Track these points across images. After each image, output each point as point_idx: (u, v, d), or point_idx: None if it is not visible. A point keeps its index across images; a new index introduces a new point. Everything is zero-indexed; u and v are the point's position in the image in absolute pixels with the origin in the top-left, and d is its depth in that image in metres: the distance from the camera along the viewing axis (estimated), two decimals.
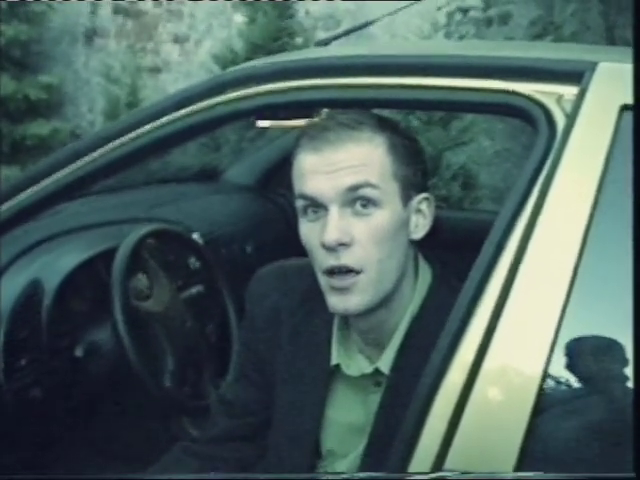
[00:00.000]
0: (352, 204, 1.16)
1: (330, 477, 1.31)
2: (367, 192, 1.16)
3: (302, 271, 1.21)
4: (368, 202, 1.16)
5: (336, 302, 1.19)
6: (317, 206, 1.17)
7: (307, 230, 1.19)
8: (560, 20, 3.17)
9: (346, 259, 1.15)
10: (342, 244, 1.15)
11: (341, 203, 1.15)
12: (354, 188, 1.15)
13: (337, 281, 1.17)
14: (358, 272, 1.16)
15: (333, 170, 1.15)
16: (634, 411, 0.92)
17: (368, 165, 1.16)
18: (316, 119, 1.21)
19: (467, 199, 3.62)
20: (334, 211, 1.15)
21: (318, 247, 1.17)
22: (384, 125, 1.20)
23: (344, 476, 1.27)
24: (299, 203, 1.19)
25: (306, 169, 1.18)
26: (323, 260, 1.17)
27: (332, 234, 1.14)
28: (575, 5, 3.09)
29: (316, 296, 1.23)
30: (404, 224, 1.20)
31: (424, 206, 1.23)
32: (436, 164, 3.57)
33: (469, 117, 3.66)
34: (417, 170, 1.21)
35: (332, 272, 1.17)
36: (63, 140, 4.76)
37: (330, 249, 1.15)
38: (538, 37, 3.25)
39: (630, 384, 0.96)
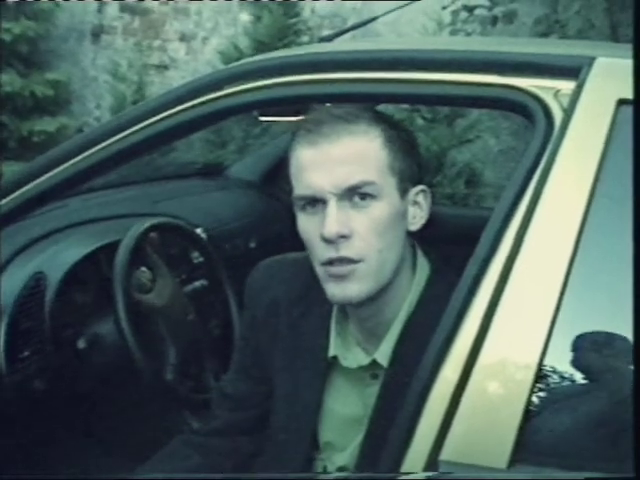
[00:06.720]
0: (350, 197, 1.16)
1: (328, 477, 1.32)
2: (365, 188, 1.16)
3: (301, 264, 1.22)
4: (366, 195, 1.17)
5: (335, 291, 1.18)
6: (315, 200, 1.18)
7: (305, 223, 1.20)
8: (565, 18, 3.18)
9: (345, 251, 1.16)
10: (342, 236, 1.16)
11: (339, 197, 1.16)
12: (351, 184, 1.16)
13: (335, 269, 1.17)
14: (357, 262, 1.17)
15: (330, 165, 1.16)
16: (634, 411, 0.92)
17: (365, 160, 1.17)
18: (312, 113, 1.22)
19: (472, 197, 3.61)
20: (333, 204, 1.16)
21: (317, 240, 1.17)
22: (379, 118, 1.21)
23: (342, 475, 1.28)
24: (296, 197, 1.20)
25: (303, 163, 1.18)
26: (322, 253, 1.17)
27: (332, 227, 1.15)
28: (580, 3, 3.09)
29: (314, 289, 1.24)
30: (402, 216, 1.21)
31: (421, 198, 1.24)
32: (441, 162, 3.57)
33: (474, 115, 3.65)
34: (413, 163, 1.22)
35: (331, 262, 1.17)
36: (70, 137, 4.77)
37: (330, 242, 1.16)
38: (543, 35, 3.26)
39: (627, 377, 0.96)
